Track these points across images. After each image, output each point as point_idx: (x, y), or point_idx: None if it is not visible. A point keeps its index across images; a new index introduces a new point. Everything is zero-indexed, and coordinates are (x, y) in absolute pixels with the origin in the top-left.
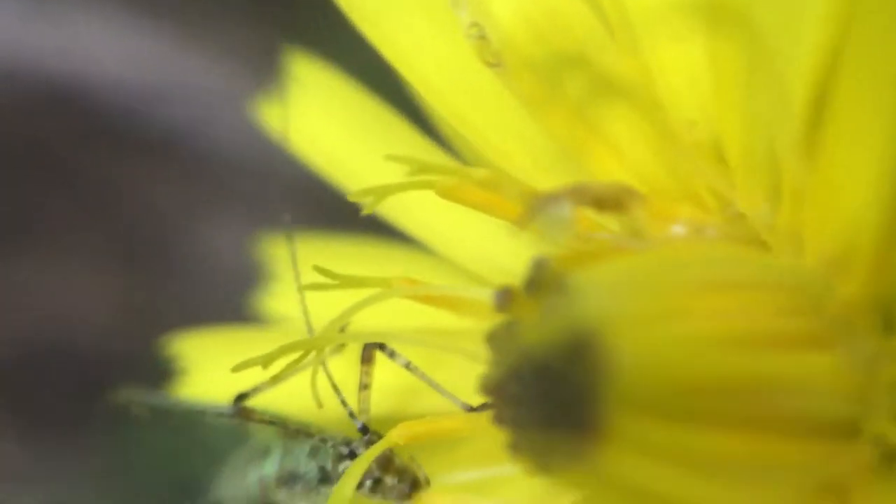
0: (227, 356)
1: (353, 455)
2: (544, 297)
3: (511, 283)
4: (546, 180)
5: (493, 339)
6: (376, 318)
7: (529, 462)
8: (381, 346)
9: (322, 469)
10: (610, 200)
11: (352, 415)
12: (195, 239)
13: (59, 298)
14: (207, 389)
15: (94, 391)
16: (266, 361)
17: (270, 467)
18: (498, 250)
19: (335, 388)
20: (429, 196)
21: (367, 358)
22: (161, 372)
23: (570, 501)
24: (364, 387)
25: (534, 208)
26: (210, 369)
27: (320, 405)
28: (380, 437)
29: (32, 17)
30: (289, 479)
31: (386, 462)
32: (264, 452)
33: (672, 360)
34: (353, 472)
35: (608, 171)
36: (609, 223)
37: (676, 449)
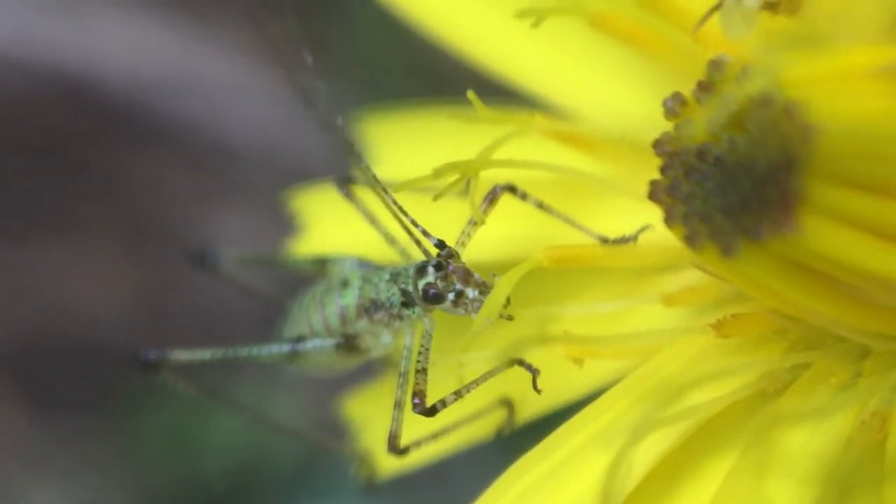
0: (343, 213)
1: (439, 266)
2: (722, 94)
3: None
4: None
5: (662, 143)
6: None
7: (711, 250)
8: (512, 188)
9: (404, 291)
10: None
11: (425, 233)
12: (207, 229)
13: (72, 288)
14: (326, 244)
15: (105, 378)
16: (435, 176)
17: (350, 297)
18: (627, 100)
19: (401, 212)
20: (547, 47)
21: (491, 198)
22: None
23: (704, 324)
24: (473, 223)
25: (718, 2)
26: (329, 224)
27: (482, 223)
28: (453, 251)
29: (46, 9)
30: (370, 307)
31: (466, 275)
32: (343, 284)
33: (873, 130)
34: (510, 278)
35: None
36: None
37: (875, 221)
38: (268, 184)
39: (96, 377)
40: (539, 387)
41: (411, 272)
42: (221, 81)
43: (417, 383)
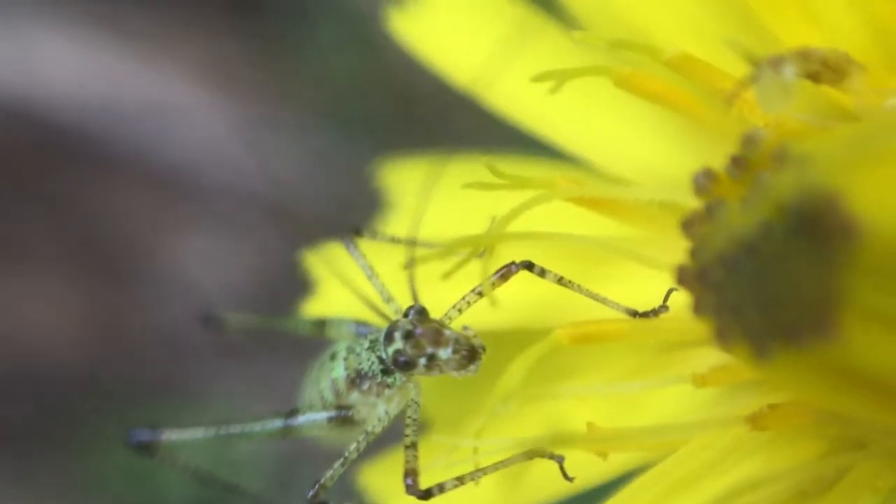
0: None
1: (399, 329)
2: (756, 173)
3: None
4: (720, 59)
5: (691, 224)
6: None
7: (743, 349)
8: (530, 266)
9: (381, 359)
10: (832, 67)
11: (397, 296)
12: (160, 257)
13: (24, 316)
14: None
15: (59, 411)
16: (445, 253)
17: (338, 370)
18: (656, 158)
19: (371, 274)
20: (574, 100)
21: (505, 273)
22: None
23: (738, 412)
24: (478, 293)
25: (753, 75)
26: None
27: (494, 303)
28: (422, 307)
29: None
30: (356, 379)
31: (435, 335)
32: (333, 356)
33: None
34: (524, 361)
35: (801, 37)
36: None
37: None
38: (224, 206)
39: (52, 408)
40: (566, 473)
41: (381, 338)
42: (176, 104)
43: (408, 461)
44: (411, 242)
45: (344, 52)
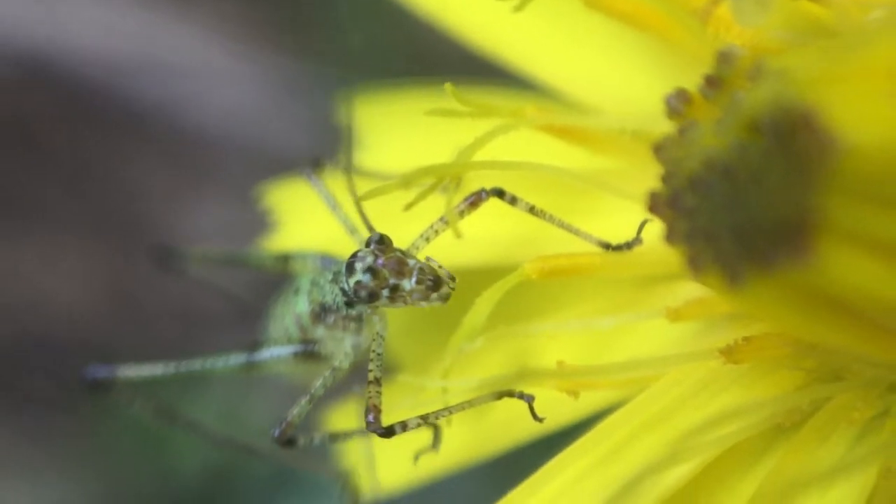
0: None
1: (360, 260)
2: (731, 92)
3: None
4: None
5: (663, 148)
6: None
7: (716, 276)
8: (500, 193)
9: (343, 291)
10: None
11: (368, 225)
12: (180, 219)
13: (40, 283)
14: (301, 240)
15: (75, 375)
16: (404, 184)
17: (302, 304)
18: (627, 84)
19: (334, 204)
20: (542, 24)
21: (474, 200)
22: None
23: (712, 346)
24: (445, 221)
25: None
26: (304, 219)
27: (459, 235)
28: (382, 236)
29: None
30: (320, 313)
31: (398, 265)
32: (296, 291)
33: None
34: (492, 295)
35: None
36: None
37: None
38: (241, 172)
39: (66, 374)
40: (535, 413)
41: (343, 269)
42: (195, 66)
43: (370, 396)
44: (369, 173)
45: (367, 19)
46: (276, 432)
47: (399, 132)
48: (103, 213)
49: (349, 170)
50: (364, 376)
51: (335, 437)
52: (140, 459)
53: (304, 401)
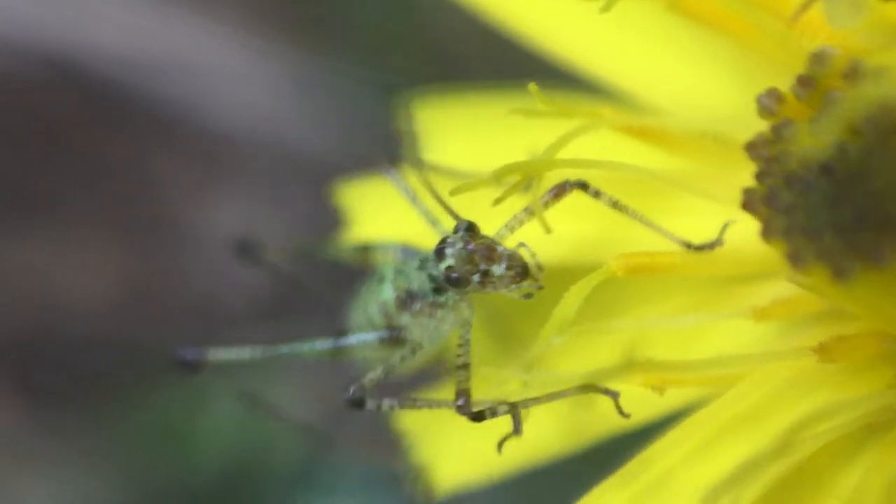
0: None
1: (450, 245)
2: (825, 92)
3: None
4: None
5: (757, 146)
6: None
7: (819, 272)
8: (583, 185)
9: (432, 277)
10: None
11: (453, 213)
12: (200, 215)
13: (60, 278)
14: (372, 233)
15: (96, 371)
16: (494, 180)
17: (387, 292)
18: (706, 90)
19: (413, 197)
20: (621, 30)
21: (557, 192)
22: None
23: (802, 344)
24: (529, 211)
25: None
26: (377, 215)
27: (549, 230)
28: (470, 223)
29: None
30: (406, 300)
31: (488, 251)
32: (380, 280)
33: None
34: (579, 291)
35: None
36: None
37: None
38: (261, 169)
39: (87, 369)
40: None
41: (432, 256)
42: (215, 63)
43: (460, 381)
44: (452, 173)
45: (386, 17)
46: (350, 394)
47: (468, 136)
48: (123, 209)
49: (422, 168)
50: (427, 380)
51: (403, 403)
52: (160, 454)
53: (380, 368)
